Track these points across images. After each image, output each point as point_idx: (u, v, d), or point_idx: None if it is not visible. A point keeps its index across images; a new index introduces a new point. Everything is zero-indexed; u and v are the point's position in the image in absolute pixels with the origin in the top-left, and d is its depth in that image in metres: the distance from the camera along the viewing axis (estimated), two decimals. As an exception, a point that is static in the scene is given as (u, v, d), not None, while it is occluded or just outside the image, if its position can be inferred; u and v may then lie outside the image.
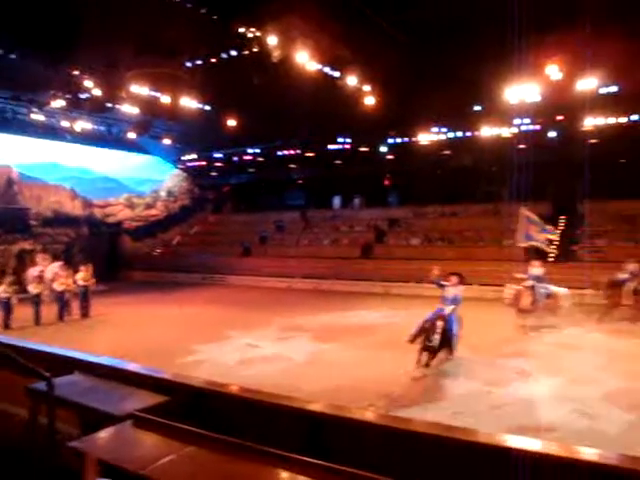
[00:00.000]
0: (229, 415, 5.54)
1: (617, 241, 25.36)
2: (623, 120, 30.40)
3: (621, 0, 19.92)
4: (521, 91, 31.50)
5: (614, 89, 29.73)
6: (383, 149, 35.58)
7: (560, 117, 31.80)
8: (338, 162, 37.49)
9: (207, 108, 30.36)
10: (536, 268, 16.41)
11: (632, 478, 3.78)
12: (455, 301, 12.14)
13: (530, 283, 15.82)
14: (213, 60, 25.07)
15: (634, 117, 30.14)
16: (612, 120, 30.69)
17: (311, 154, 37.88)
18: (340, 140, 35.56)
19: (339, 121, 31.30)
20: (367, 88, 26.28)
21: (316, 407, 5.27)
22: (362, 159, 36.21)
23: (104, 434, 4.69)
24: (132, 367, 7.06)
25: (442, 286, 12.28)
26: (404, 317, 17.77)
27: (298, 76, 23.27)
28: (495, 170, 30.21)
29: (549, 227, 18.62)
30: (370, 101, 26.68)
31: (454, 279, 12.37)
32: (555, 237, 26.03)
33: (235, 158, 41.84)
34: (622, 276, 16.53)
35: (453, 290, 12.17)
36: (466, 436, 4.48)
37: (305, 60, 22.69)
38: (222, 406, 5.67)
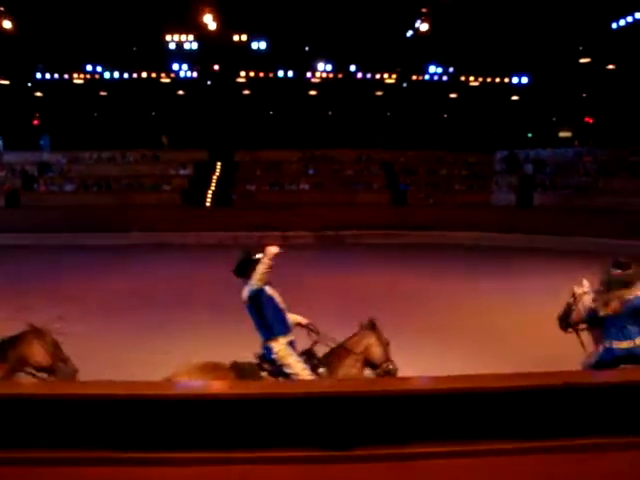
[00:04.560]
0: None
1: (265, 186, 27.66)
2: (272, 75, 32.90)
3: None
4: (179, 37, 31.58)
5: (263, 45, 31.95)
6: (30, 84, 31.79)
7: (216, 67, 32.81)
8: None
9: None
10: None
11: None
12: None
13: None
14: None
15: (280, 73, 32.73)
16: (263, 74, 32.95)
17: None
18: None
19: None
20: None
21: None
22: (4, 94, 31.77)
23: None
24: None
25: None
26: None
27: None
28: (154, 115, 29.82)
29: None
30: (7, 25, 23.21)
31: None
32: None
33: None
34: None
35: None
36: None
37: None
38: None
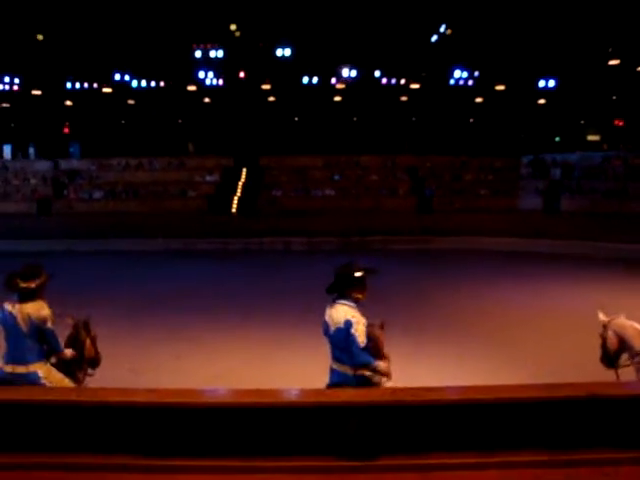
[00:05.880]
0: None
1: (290, 192, 27.79)
2: (303, 82, 33.07)
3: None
4: (205, 46, 32.03)
5: (288, 52, 32.19)
6: (61, 94, 32.48)
7: (242, 74, 33.15)
8: (6, 105, 33.03)
9: None
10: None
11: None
12: None
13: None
14: None
15: (305, 79, 32.89)
16: (290, 81, 33.17)
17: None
18: (6, 80, 31.22)
19: (3, 57, 27.44)
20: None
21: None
22: (36, 103, 32.53)
23: None
24: None
25: None
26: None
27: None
28: (181, 123, 30.23)
29: None
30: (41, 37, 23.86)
31: None
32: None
33: None
34: None
35: None
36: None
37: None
38: None
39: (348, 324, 4.20)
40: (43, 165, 31.55)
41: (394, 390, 4.12)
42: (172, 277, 16.63)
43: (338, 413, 3.74)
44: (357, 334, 4.17)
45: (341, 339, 4.24)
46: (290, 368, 8.17)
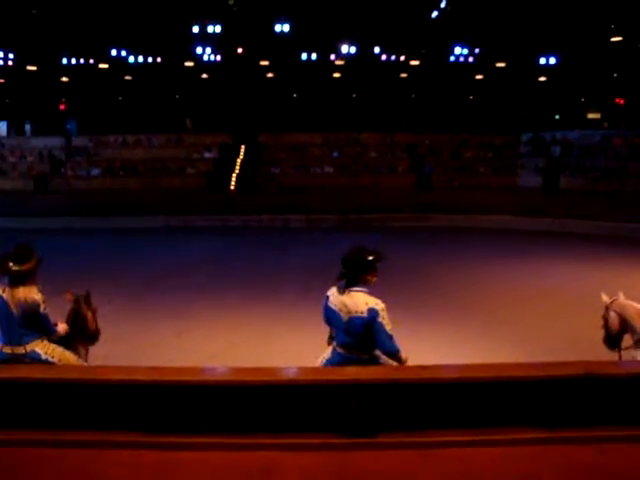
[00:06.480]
0: None
1: (289, 169, 27.71)
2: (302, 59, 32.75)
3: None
4: (203, 21, 31.58)
5: (287, 28, 31.80)
6: (57, 70, 32.14)
7: (240, 50, 32.80)
8: (0, 81, 32.70)
9: None
10: None
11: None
12: None
13: None
14: None
15: (304, 55, 32.58)
16: (289, 57, 32.87)
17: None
18: (0, 55, 30.84)
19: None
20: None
21: None
22: (31, 79, 32.20)
23: None
24: None
25: None
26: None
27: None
28: (178, 99, 29.98)
29: None
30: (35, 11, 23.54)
31: None
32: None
33: None
34: None
35: None
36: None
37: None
38: None
39: (373, 313, 4.10)
40: (39, 142, 31.35)
41: (394, 368, 4.15)
42: (171, 254, 16.63)
43: (339, 391, 3.77)
44: (384, 322, 4.10)
45: (357, 327, 4.14)
46: (289, 345, 8.23)
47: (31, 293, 4.42)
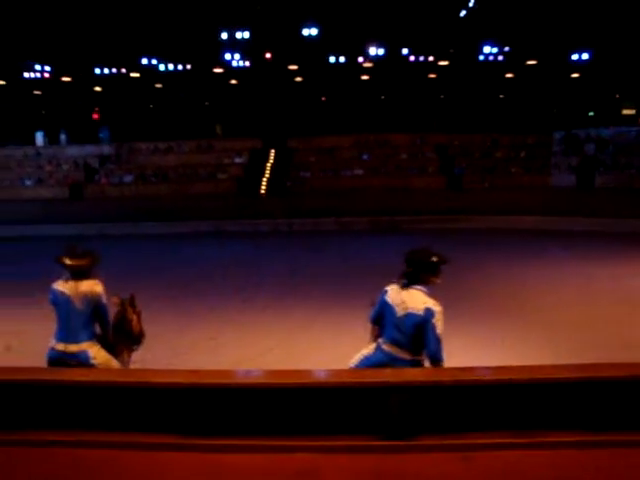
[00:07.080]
0: None
1: (319, 172, 27.75)
2: (330, 62, 32.82)
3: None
4: (232, 28, 31.89)
5: (314, 31, 31.90)
6: (90, 80, 32.82)
7: (268, 55, 33.02)
8: (37, 93, 33.51)
9: None
10: None
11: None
12: None
13: None
14: None
15: (332, 58, 32.63)
16: (317, 61, 32.98)
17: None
18: (37, 68, 31.64)
19: (34, 45, 27.78)
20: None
21: None
22: (66, 90, 32.94)
23: None
24: None
25: None
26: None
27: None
28: (208, 105, 30.31)
29: None
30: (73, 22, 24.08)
31: None
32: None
33: None
34: None
35: None
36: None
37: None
38: None
39: (430, 313, 4.13)
40: (74, 150, 32.03)
41: (433, 369, 4.12)
42: (203, 259, 16.79)
43: (378, 393, 3.75)
44: (438, 325, 4.13)
45: (410, 324, 4.17)
46: (326, 347, 8.21)
47: (94, 285, 4.65)
